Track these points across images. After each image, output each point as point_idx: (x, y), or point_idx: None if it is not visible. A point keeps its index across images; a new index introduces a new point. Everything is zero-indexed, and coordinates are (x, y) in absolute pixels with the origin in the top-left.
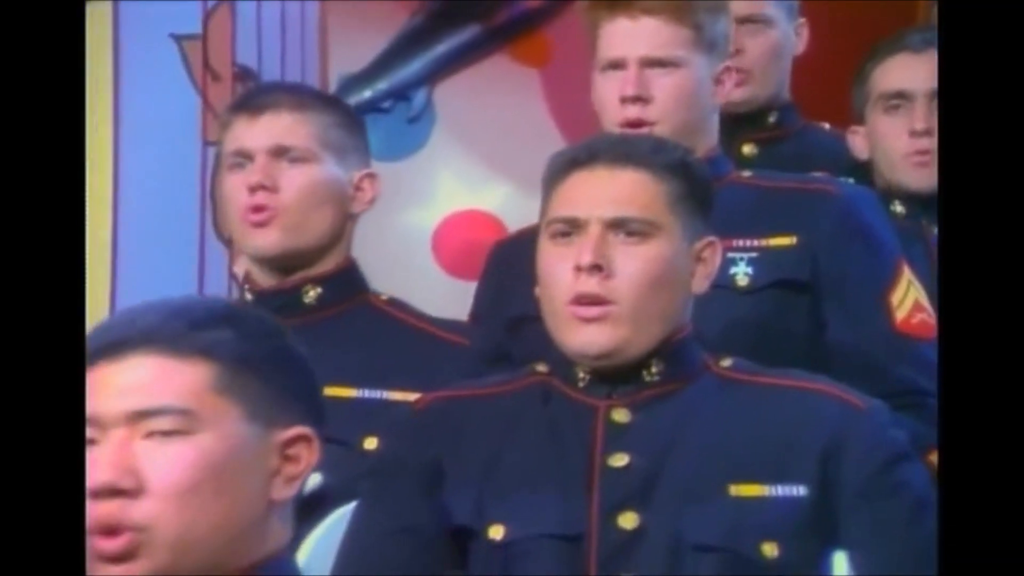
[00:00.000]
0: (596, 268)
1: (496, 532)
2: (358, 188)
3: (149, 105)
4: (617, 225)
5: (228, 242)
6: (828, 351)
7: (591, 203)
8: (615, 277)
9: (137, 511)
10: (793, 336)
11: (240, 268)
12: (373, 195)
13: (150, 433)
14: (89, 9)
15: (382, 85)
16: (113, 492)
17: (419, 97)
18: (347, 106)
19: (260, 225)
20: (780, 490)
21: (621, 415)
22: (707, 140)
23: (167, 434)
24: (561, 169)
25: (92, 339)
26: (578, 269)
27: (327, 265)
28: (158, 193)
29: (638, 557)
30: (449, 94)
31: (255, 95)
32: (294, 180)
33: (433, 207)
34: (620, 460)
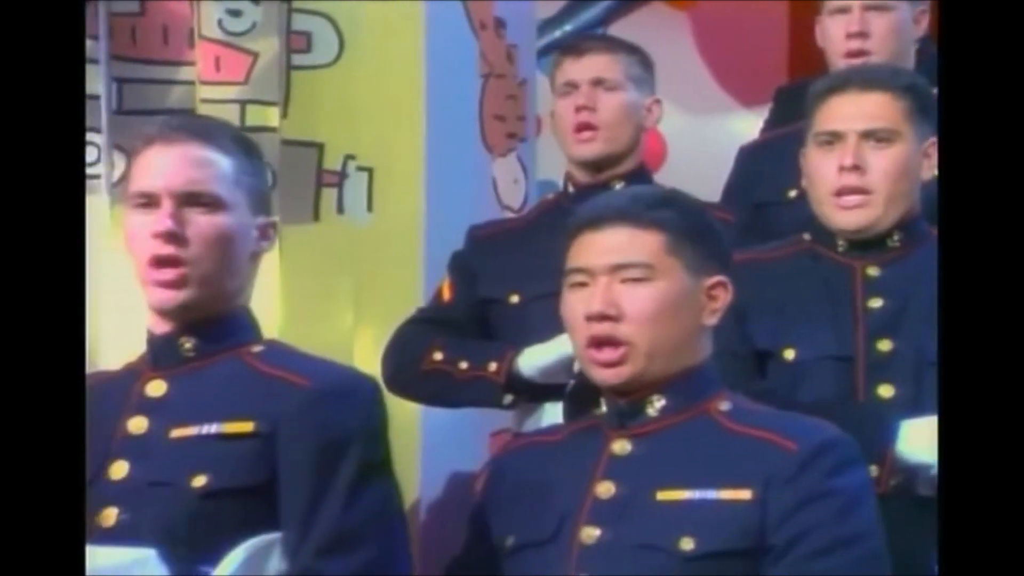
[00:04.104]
0: (855, 168)
1: (789, 354)
2: (649, 109)
3: (447, 48)
4: (869, 135)
5: (489, 149)
6: None
7: (847, 119)
8: (869, 173)
9: (620, 331)
10: None
11: (498, 173)
12: (659, 115)
13: (624, 280)
14: None
15: (568, 27)
16: (603, 317)
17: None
18: (641, 49)
19: (585, 141)
20: None
21: (873, 271)
22: (908, 67)
23: (636, 280)
24: (821, 93)
25: (578, 216)
26: (841, 168)
27: (628, 166)
28: (453, 113)
29: (892, 372)
30: (619, 33)
31: (577, 41)
32: (609, 103)
33: None
34: (875, 302)
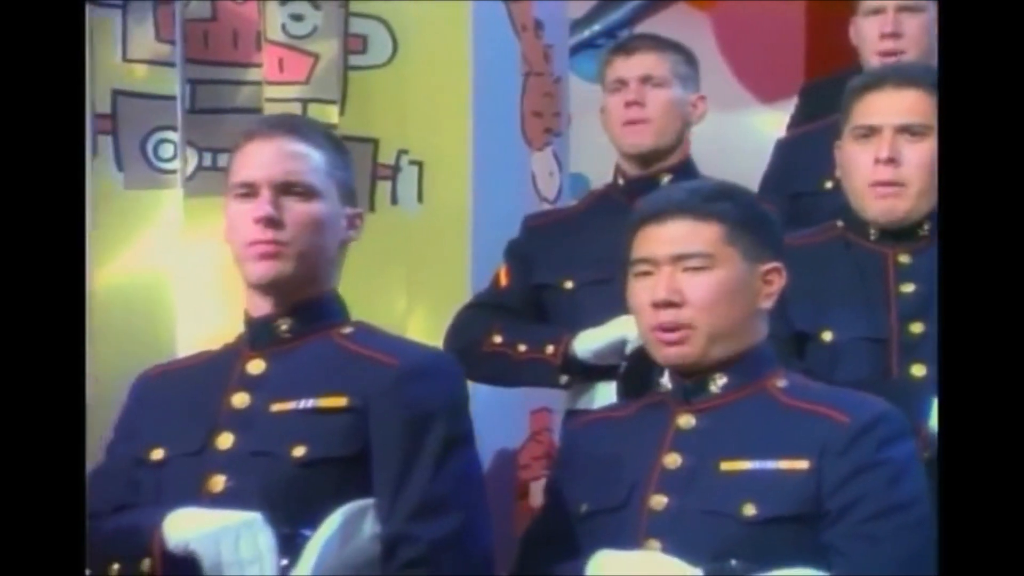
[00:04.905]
0: (891, 161)
1: (826, 336)
2: (694, 105)
3: (491, 49)
4: (903, 129)
5: (529, 143)
6: None
7: (884, 114)
8: (903, 166)
9: (683, 315)
10: None
11: (536, 166)
12: (704, 111)
13: (686, 268)
14: None
15: (596, 27)
16: (668, 304)
17: (623, 35)
18: (687, 48)
19: (634, 135)
20: None
21: (905, 257)
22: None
23: (697, 269)
24: (858, 90)
25: (640, 210)
26: (877, 161)
27: (674, 159)
28: (496, 110)
29: (924, 352)
30: (645, 32)
31: (627, 41)
32: (657, 99)
33: None
34: (908, 287)
